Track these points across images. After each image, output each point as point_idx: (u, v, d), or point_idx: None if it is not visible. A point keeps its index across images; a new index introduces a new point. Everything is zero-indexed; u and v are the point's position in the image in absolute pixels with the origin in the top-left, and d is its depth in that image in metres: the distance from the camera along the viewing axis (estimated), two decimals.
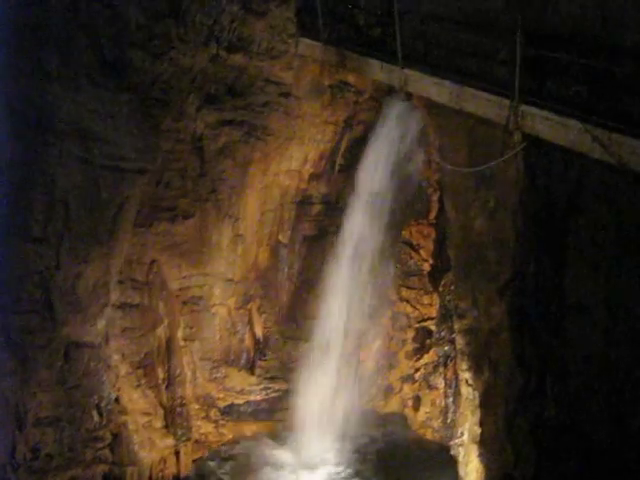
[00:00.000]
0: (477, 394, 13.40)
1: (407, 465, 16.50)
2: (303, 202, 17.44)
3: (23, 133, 13.40)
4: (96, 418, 14.88)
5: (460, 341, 13.96)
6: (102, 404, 14.97)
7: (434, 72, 10.87)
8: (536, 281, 10.75)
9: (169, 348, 16.40)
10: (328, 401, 17.23)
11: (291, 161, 16.72)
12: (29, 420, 13.92)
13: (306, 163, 16.89)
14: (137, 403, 15.81)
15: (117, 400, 15.28)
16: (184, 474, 16.50)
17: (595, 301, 9.57)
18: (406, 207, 17.38)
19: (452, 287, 15.23)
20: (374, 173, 16.64)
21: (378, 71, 12.40)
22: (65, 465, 14.45)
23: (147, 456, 15.61)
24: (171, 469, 16.30)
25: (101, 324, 14.75)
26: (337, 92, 16.08)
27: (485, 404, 13.06)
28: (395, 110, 15.88)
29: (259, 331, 17.81)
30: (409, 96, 12.07)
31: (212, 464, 17.07)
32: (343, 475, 16.61)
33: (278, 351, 17.92)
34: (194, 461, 16.88)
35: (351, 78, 15.87)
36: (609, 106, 8.06)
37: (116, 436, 15.19)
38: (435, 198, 17.18)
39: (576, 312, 9.92)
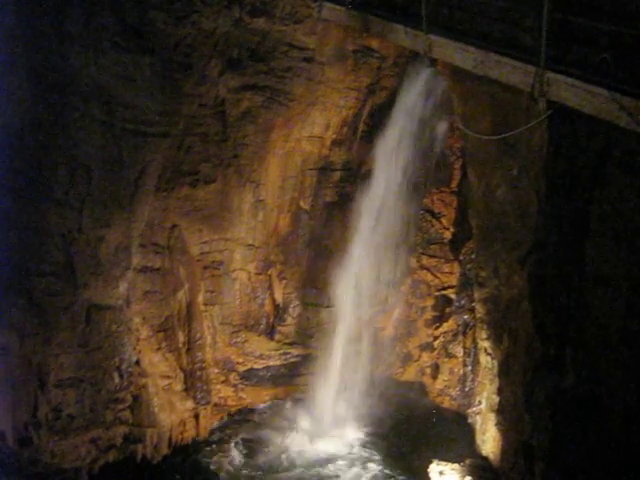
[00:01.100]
0: (496, 363, 13.42)
1: (424, 433, 16.57)
2: (325, 168, 17.38)
3: (45, 96, 13.39)
4: (117, 380, 15.02)
5: (480, 310, 13.95)
6: (123, 366, 15.09)
7: (459, 38, 10.70)
8: (557, 251, 10.69)
9: (189, 312, 16.49)
10: (346, 368, 17.31)
11: (313, 127, 16.64)
12: (51, 381, 14.08)
13: (328, 129, 16.80)
14: (157, 366, 15.94)
15: (138, 363, 15.41)
16: (203, 437, 16.66)
17: (616, 272, 9.51)
18: (428, 175, 17.29)
19: (473, 256, 15.19)
20: (396, 140, 16.55)
21: (402, 36, 12.23)
22: (86, 426, 14.63)
23: (167, 418, 15.75)
24: (190, 432, 16.46)
25: (122, 287, 14.84)
26: (360, 57, 15.94)
27: (504, 373, 13.07)
28: (419, 76, 15.75)
29: (279, 297, 17.86)
30: (433, 62, 11.91)
31: (231, 427, 17.23)
32: (359, 441, 16.71)
33: (298, 317, 17.99)
34: (213, 424, 17.01)
35: (375, 43, 15.72)
36: (637, 74, 7.91)
37: (136, 398, 15.34)
38: (457, 166, 17.07)
39: (597, 283, 9.87)
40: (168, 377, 16.08)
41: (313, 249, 17.83)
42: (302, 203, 17.51)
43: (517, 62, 9.47)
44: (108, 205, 14.15)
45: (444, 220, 17.49)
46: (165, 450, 15.85)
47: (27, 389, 13.98)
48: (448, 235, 17.47)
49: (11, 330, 13.61)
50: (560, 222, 10.58)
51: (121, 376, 15.07)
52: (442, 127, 16.65)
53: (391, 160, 16.67)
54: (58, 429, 14.28)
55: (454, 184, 17.28)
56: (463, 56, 10.60)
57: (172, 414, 15.92)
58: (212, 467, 15.85)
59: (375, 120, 16.87)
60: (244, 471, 15.71)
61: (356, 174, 17.44)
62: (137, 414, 15.36)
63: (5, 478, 13.66)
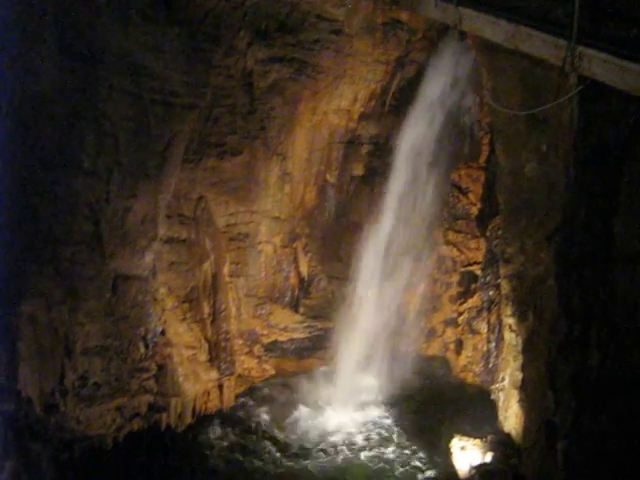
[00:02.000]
0: (520, 340, 13.37)
1: (447, 408, 16.58)
2: (352, 142, 17.32)
3: (73, 66, 13.39)
4: (142, 349, 15.14)
5: (505, 286, 13.88)
6: (148, 336, 15.21)
7: (489, 10, 10.57)
8: (585, 228, 10.60)
9: (215, 283, 16.57)
10: (370, 342, 17.33)
11: (341, 100, 16.57)
12: (77, 349, 14.21)
13: (356, 102, 16.71)
14: (182, 336, 16.06)
15: (163, 333, 15.52)
16: (227, 407, 16.79)
17: None
18: (456, 150, 17.17)
19: (499, 232, 15.09)
20: (425, 114, 16.45)
21: (432, 9, 12.11)
22: (112, 394, 14.78)
23: (191, 388, 15.88)
24: (214, 402, 16.59)
25: (149, 258, 14.91)
26: (389, 30, 15.81)
27: (528, 350, 13.03)
28: (448, 50, 15.60)
29: (304, 270, 17.90)
30: (463, 35, 11.78)
31: (254, 398, 17.36)
32: (382, 415, 16.76)
33: (322, 290, 18.03)
34: (237, 395, 17.15)
35: (404, 16, 15.58)
36: None
37: (161, 368, 15.47)
38: (486, 141, 16.93)
39: (625, 261, 9.77)
40: (193, 347, 16.19)
41: (339, 223, 17.83)
42: (329, 176, 17.48)
43: (548, 36, 9.35)
44: (135, 176, 14.19)
45: (471, 196, 17.39)
46: (189, 419, 16.00)
47: (54, 357, 14.12)
48: (475, 211, 17.38)
49: (38, 299, 13.74)
50: (589, 199, 10.47)
51: (146, 345, 15.19)
52: (471, 102, 16.50)
53: (419, 135, 16.57)
54: (84, 397, 14.44)
55: (482, 159, 17.15)
56: (493, 29, 10.48)
57: (196, 384, 16.04)
58: (235, 436, 15.99)
59: (404, 94, 16.76)
60: (266, 441, 15.83)
61: (384, 148, 17.37)
62: (162, 383, 15.50)
63: (32, 443, 13.86)
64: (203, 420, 16.33)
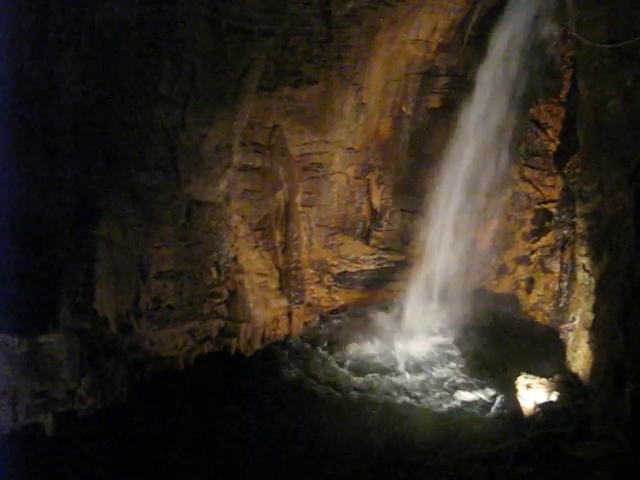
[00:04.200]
0: (593, 280, 13.17)
1: (514, 346, 16.53)
2: (429, 73, 17.01)
3: None
4: (214, 275, 15.38)
5: (581, 225, 13.64)
6: (221, 262, 15.43)
7: None
8: None
9: (287, 212, 16.67)
10: (440, 276, 17.30)
11: (419, 30, 16.21)
12: (152, 272, 14.51)
13: (435, 32, 16.34)
14: (254, 264, 16.28)
15: (235, 259, 15.73)
16: (295, 334, 17.07)
17: None
18: (536, 84, 16.68)
19: (577, 170, 14.74)
20: (506, 46, 15.99)
21: None
22: (184, 317, 15.11)
23: (261, 315, 16.15)
24: (283, 329, 16.87)
25: (223, 185, 15.04)
26: None
27: (601, 291, 12.84)
28: None
29: (376, 202, 17.85)
30: None
31: (322, 328, 17.59)
32: (448, 350, 16.82)
33: (394, 223, 17.99)
34: (305, 323, 17.40)
35: None
36: None
37: (233, 294, 15.73)
38: (568, 76, 16.37)
39: None
40: (264, 275, 16.42)
41: (413, 155, 17.66)
42: (404, 108, 17.25)
43: None
44: (211, 103, 14.23)
45: (550, 131, 16.94)
46: (258, 345, 16.34)
47: (129, 279, 14.45)
48: (553, 147, 16.95)
49: (115, 222, 14.03)
50: None
51: (219, 271, 15.43)
52: (554, 34, 15.93)
53: (498, 67, 16.15)
54: (157, 319, 14.80)
55: (563, 94, 16.63)
56: None
57: (266, 311, 16.31)
58: (302, 364, 16.27)
59: (484, 24, 16.28)
60: (331, 370, 16.06)
61: (462, 80, 17.00)
62: (233, 309, 15.79)
63: (107, 362, 14.33)
64: (271, 346, 16.66)
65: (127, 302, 14.41)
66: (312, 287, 17.54)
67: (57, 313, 13.48)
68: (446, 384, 15.56)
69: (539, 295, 17.24)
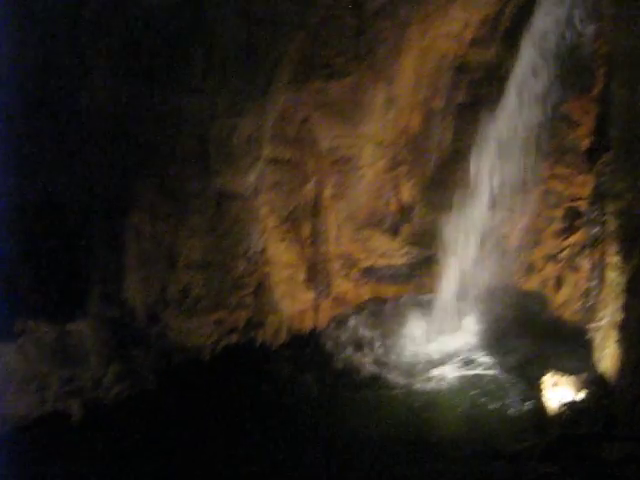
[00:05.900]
0: (624, 279, 13.04)
1: (541, 344, 16.41)
2: (461, 68, 16.90)
3: None
4: (243, 266, 15.44)
5: (612, 223, 13.50)
6: (249, 253, 15.49)
7: None
8: None
9: (316, 205, 16.66)
10: (468, 272, 17.22)
11: (452, 24, 16.09)
12: (180, 262, 14.62)
13: (467, 27, 16.22)
14: (281, 256, 16.30)
15: (263, 251, 15.78)
16: (321, 328, 17.08)
17: None
18: (569, 80, 16.52)
19: (609, 167, 14.58)
20: (539, 41, 15.84)
21: None
22: (212, 307, 15.19)
23: (287, 307, 16.19)
24: (309, 322, 16.89)
25: (252, 177, 15.09)
26: None
27: (631, 290, 12.72)
28: None
29: (405, 196, 17.79)
30: None
31: (349, 321, 17.58)
32: (475, 346, 16.78)
33: (423, 218, 17.90)
34: (331, 317, 17.40)
35: None
36: None
37: (260, 285, 15.79)
38: (602, 72, 16.13)
39: None
40: (291, 267, 16.45)
41: (443, 151, 17.57)
42: (435, 103, 17.17)
43: None
44: (242, 95, 14.28)
45: (582, 128, 16.74)
46: (284, 337, 16.36)
47: (158, 269, 14.57)
48: (585, 145, 16.72)
49: (144, 212, 14.16)
50: None
51: (247, 263, 15.49)
52: (589, 29, 15.76)
53: (531, 63, 16.02)
54: (185, 308, 14.91)
55: (596, 91, 16.41)
56: None
57: (293, 303, 16.35)
58: (327, 357, 16.30)
59: (518, 19, 16.14)
60: (357, 363, 16.07)
61: (493, 76, 16.86)
62: (260, 300, 15.85)
63: (135, 350, 14.47)
64: (297, 339, 16.69)
65: (155, 291, 14.55)
66: (339, 281, 17.51)
67: (86, 301, 13.65)
68: (474, 380, 15.52)
69: (567, 294, 17.10)
